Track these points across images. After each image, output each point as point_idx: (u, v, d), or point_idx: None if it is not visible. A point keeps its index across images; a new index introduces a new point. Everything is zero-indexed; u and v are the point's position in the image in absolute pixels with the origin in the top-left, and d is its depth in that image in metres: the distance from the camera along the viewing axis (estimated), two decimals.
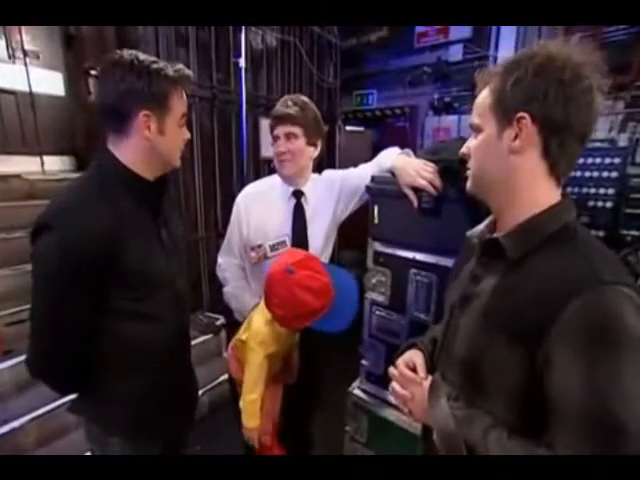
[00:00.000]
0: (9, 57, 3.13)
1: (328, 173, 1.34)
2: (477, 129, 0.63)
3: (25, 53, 3.09)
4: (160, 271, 0.89)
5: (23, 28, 3.11)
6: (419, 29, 3.17)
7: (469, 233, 0.72)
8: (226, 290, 1.30)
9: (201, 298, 2.74)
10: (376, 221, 1.10)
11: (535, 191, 0.59)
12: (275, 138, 1.21)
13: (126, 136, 0.82)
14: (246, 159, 2.77)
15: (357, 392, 1.31)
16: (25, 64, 3.01)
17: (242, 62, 2.47)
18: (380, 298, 1.19)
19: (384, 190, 1.09)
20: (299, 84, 3.26)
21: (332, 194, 1.27)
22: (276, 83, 3.06)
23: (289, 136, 1.18)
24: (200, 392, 2.19)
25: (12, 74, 3.06)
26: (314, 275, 0.93)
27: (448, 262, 0.99)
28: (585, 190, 0.96)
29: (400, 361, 0.77)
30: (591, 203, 0.96)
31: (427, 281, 1.06)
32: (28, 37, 3.16)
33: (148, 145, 0.83)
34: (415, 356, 0.77)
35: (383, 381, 1.24)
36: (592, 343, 0.48)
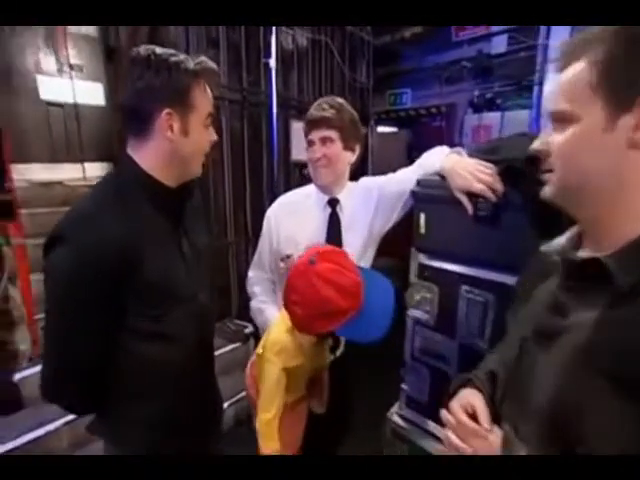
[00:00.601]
0: (57, 71, 3.31)
1: (365, 180, 1.22)
2: (566, 118, 0.48)
3: (71, 67, 3.25)
4: (180, 284, 0.82)
5: (69, 43, 3.27)
6: None
7: (545, 248, 0.57)
8: (252, 304, 1.22)
9: (229, 305, 2.70)
10: (422, 230, 0.97)
11: None
12: (310, 143, 1.12)
13: (147, 139, 0.75)
14: (276, 162, 2.71)
15: (396, 419, 1.18)
16: (71, 77, 3.17)
17: (272, 62, 2.41)
18: (425, 317, 1.06)
19: (432, 195, 0.96)
20: (330, 84, 3.17)
21: (369, 203, 1.15)
22: (307, 84, 2.98)
23: (325, 140, 1.09)
24: (225, 404, 2.15)
25: (59, 87, 3.23)
26: (340, 269, 0.80)
27: (508, 279, 0.85)
28: None
29: (455, 404, 0.62)
30: None
31: (482, 300, 0.92)
32: (74, 51, 3.32)
33: (170, 148, 0.75)
34: (474, 398, 0.62)
35: (426, 408, 1.11)
36: None
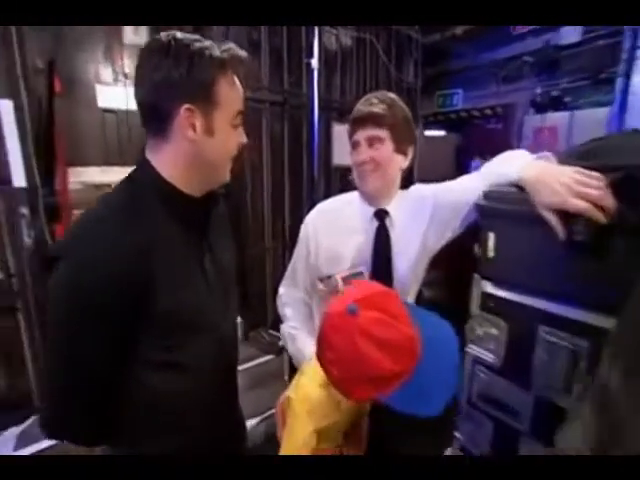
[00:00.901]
0: (113, 80, 3.51)
1: (419, 188, 1.04)
2: None
3: (125, 76, 3.44)
4: (200, 311, 0.71)
5: (125, 52, 3.45)
6: None
7: None
8: (284, 329, 1.09)
9: (265, 314, 2.63)
10: (490, 253, 0.79)
11: None
12: (355, 144, 0.96)
13: (165, 140, 0.65)
14: (317, 166, 2.63)
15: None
16: (125, 85, 3.35)
17: (315, 62, 2.30)
18: (488, 357, 0.87)
19: (506, 211, 0.77)
20: (375, 85, 3.02)
21: (423, 215, 0.98)
22: (350, 85, 2.85)
23: (373, 141, 0.93)
24: (255, 420, 2.06)
25: (114, 95, 3.41)
26: (389, 320, 0.60)
27: (609, 323, 0.65)
28: None
29: None
30: None
31: (570, 347, 0.72)
32: (128, 61, 3.49)
33: (192, 150, 0.65)
34: None
35: None
36: None
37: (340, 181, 2.84)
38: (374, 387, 0.60)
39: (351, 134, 0.97)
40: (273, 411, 1.31)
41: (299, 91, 2.52)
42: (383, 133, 0.92)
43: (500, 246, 0.78)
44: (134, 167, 0.71)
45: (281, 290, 1.14)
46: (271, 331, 2.52)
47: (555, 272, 0.71)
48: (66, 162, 2.17)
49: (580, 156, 0.69)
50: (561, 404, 0.74)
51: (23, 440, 1.59)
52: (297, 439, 0.70)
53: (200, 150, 0.65)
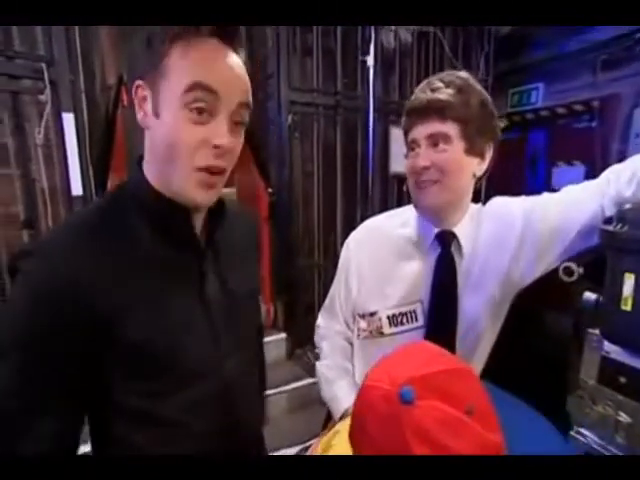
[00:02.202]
0: None
1: (501, 202, 0.79)
2: None
3: None
4: (193, 349, 0.54)
5: None
6: None
7: None
8: (319, 367, 0.90)
9: (312, 332, 2.46)
10: (626, 306, 0.51)
11: None
12: (412, 145, 0.73)
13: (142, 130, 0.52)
14: (372, 175, 2.46)
15: None
16: None
17: (370, 60, 2.12)
18: (610, 449, 0.59)
19: None
20: None
21: (507, 239, 0.72)
22: (410, 85, 2.61)
23: (437, 139, 0.69)
24: (296, 449, 1.89)
25: None
26: (464, 419, 0.39)
27: None
28: None
29: None
30: None
31: None
32: None
33: (148, 139, 0.52)
34: None
35: None
36: None
37: (398, 191, 2.61)
38: None
39: (407, 131, 0.75)
40: (315, 440, 1.08)
41: (354, 93, 2.36)
42: (451, 128, 0.68)
43: None
44: None
45: (319, 321, 0.97)
46: (317, 351, 2.36)
47: None
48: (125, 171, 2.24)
49: None
50: None
51: None
52: None
53: (153, 135, 0.51)
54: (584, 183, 0.68)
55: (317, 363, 0.93)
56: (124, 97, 2.12)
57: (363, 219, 0.99)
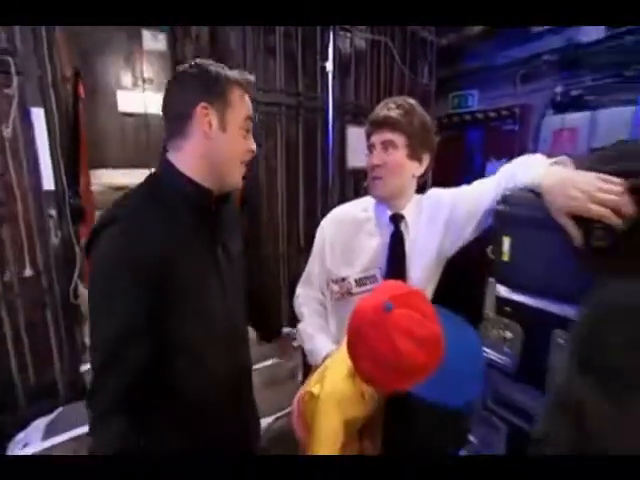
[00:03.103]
0: (133, 85, 3.62)
1: (434, 193, 1.05)
2: None
3: (144, 80, 3.55)
4: (211, 292, 0.79)
5: (145, 58, 3.56)
6: None
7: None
8: (300, 327, 1.12)
9: (279, 317, 2.66)
10: (506, 258, 0.80)
11: None
12: (370, 147, 0.98)
13: (186, 138, 0.75)
14: (331, 170, 2.64)
15: None
16: (143, 90, 3.46)
17: (329, 65, 2.33)
18: (502, 361, 0.88)
19: (523, 217, 0.78)
20: (390, 87, 3.01)
21: (439, 220, 0.99)
22: (365, 88, 2.86)
23: (386, 145, 0.94)
24: (271, 418, 2.09)
25: (133, 99, 3.52)
26: (420, 317, 0.66)
27: None
28: None
29: None
30: None
31: None
32: (147, 66, 3.60)
33: (208, 145, 0.74)
34: None
35: None
36: None
37: (355, 184, 2.84)
38: (405, 379, 0.65)
39: (367, 137, 1.00)
40: (287, 410, 1.30)
41: (314, 94, 2.53)
42: (398, 138, 0.94)
43: (516, 251, 0.79)
44: (154, 168, 0.82)
45: (298, 290, 1.17)
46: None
47: (572, 277, 0.71)
48: (88, 165, 2.25)
49: (603, 159, 0.69)
50: None
51: (51, 430, 1.66)
52: (328, 433, 0.75)
53: (215, 145, 0.74)
54: (488, 178, 0.96)
55: (299, 325, 1.14)
56: (81, 90, 2.14)
57: (324, 210, 1.22)
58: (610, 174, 0.64)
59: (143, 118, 3.54)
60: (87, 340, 2.05)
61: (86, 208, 2.04)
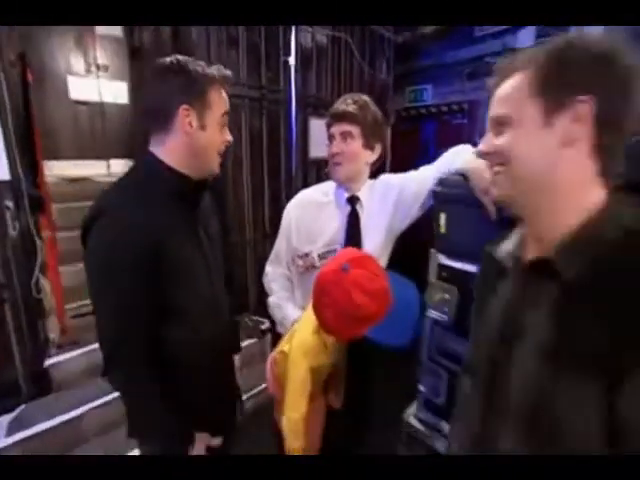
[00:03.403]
0: (85, 71, 3.43)
1: (385, 178, 1.21)
2: (505, 122, 0.53)
3: (98, 67, 3.37)
4: (197, 271, 0.89)
5: (97, 43, 3.39)
6: None
7: (497, 253, 0.61)
8: (270, 300, 1.24)
9: (247, 300, 2.74)
10: (442, 230, 0.96)
11: (584, 194, 0.50)
12: (330, 138, 1.12)
13: (168, 134, 0.83)
14: (294, 160, 2.73)
15: (413, 421, 1.18)
16: (97, 77, 3.29)
17: (292, 60, 2.41)
18: (443, 318, 1.05)
19: (453, 195, 0.94)
20: (350, 81, 3.15)
21: (389, 201, 1.14)
22: (326, 81, 2.97)
23: (345, 136, 1.08)
24: (243, 397, 2.19)
25: (87, 87, 3.35)
26: (371, 276, 0.81)
27: None
28: None
29: None
30: None
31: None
32: (100, 52, 3.43)
33: (189, 141, 0.83)
34: None
35: (443, 411, 1.10)
36: None
37: (317, 173, 2.96)
38: (360, 325, 0.81)
39: (328, 128, 1.13)
40: (259, 388, 1.43)
41: (276, 87, 2.60)
42: (354, 130, 1.08)
43: (451, 224, 0.96)
44: (112, 160, 0.91)
45: (267, 268, 1.29)
46: (253, 317, 2.65)
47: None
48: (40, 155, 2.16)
49: None
50: None
51: (14, 427, 1.65)
52: (298, 379, 0.89)
53: (195, 141, 0.83)
54: (430, 165, 1.13)
55: (269, 298, 1.26)
56: (29, 75, 2.06)
57: (288, 198, 1.34)
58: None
59: (98, 107, 3.40)
60: (51, 335, 2.03)
61: (45, 199, 1.99)
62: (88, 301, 2.07)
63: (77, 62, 3.38)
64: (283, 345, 1.01)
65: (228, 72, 0.88)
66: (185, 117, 0.81)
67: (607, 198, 0.50)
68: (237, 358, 1.18)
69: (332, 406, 1.08)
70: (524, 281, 0.55)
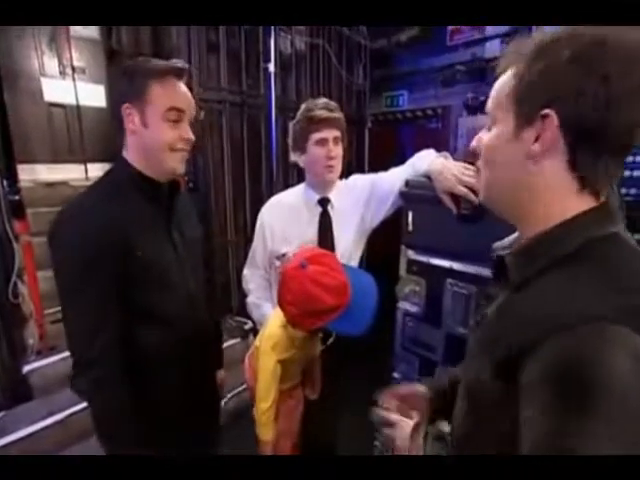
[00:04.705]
0: (60, 73, 3.37)
1: (356, 178, 1.29)
2: (492, 120, 0.51)
3: (74, 69, 3.31)
4: (169, 269, 0.89)
5: (72, 45, 3.33)
6: (452, 26, 3.06)
7: (495, 245, 0.62)
8: (249, 300, 1.29)
9: (229, 302, 2.77)
10: (410, 228, 1.05)
11: (556, 206, 0.47)
12: (322, 142, 1.15)
13: (122, 135, 0.85)
14: (275, 163, 2.78)
15: None
16: (73, 79, 3.23)
17: (272, 67, 2.48)
18: (413, 309, 1.13)
19: (419, 195, 1.03)
20: (328, 87, 3.24)
21: (360, 200, 1.22)
22: (305, 87, 3.05)
23: (337, 140, 1.16)
24: (226, 397, 2.22)
25: (62, 89, 3.28)
26: (328, 272, 0.87)
27: (489, 272, 0.92)
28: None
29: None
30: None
31: (465, 293, 0.99)
32: (76, 54, 3.38)
33: (138, 140, 0.84)
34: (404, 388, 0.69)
35: None
36: (558, 387, 0.38)
37: (297, 176, 3.01)
38: (319, 318, 0.87)
39: (315, 131, 1.15)
40: (241, 388, 1.47)
41: (257, 92, 2.66)
42: (339, 134, 1.16)
43: (417, 221, 1.04)
44: (90, 165, 0.92)
45: (245, 271, 1.34)
46: (236, 317, 2.69)
47: (453, 238, 0.98)
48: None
49: (469, 155, 0.96)
50: (462, 335, 1.02)
51: None
52: (267, 370, 0.94)
53: (141, 139, 0.84)
54: (399, 167, 1.21)
55: (247, 299, 1.31)
56: None
57: None
58: (472, 164, 0.90)
59: (75, 110, 3.34)
60: (30, 340, 2.00)
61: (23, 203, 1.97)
62: None
63: (51, 64, 3.31)
64: (257, 340, 1.07)
65: (179, 63, 0.85)
66: (128, 116, 0.81)
67: (581, 213, 0.46)
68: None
69: (309, 397, 1.15)
70: (497, 275, 0.57)
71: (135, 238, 0.81)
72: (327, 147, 1.15)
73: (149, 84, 0.81)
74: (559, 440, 0.37)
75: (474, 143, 0.55)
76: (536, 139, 0.46)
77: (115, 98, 0.84)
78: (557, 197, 0.47)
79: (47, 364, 1.91)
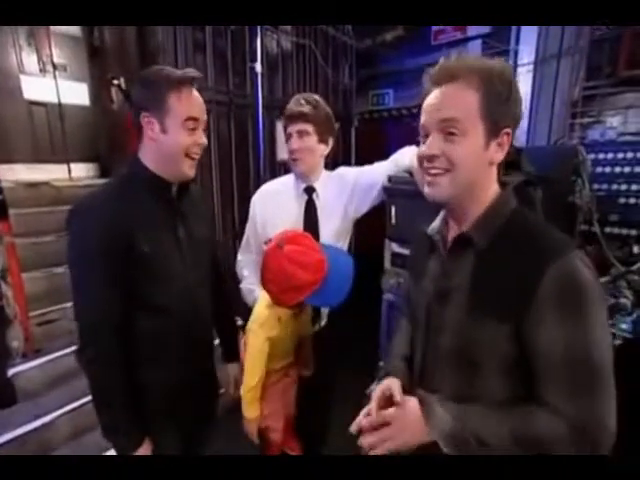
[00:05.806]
0: (40, 71, 3.29)
1: (342, 170, 1.34)
2: (455, 127, 0.61)
3: (54, 66, 3.24)
4: (172, 263, 0.94)
5: (53, 42, 3.26)
6: (436, 27, 3.11)
7: (429, 230, 0.76)
8: (242, 286, 1.33)
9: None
10: (393, 221, 1.08)
11: (489, 190, 0.67)
12: (288, 136, 1.23)
13: (141, 139, 0.91)
14: (263, 162, 2.79)
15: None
16: (54, 77, 3.16)
17: (258, 67, 2.49)
18: (398, 300, 1.17)
19: (401, 190, 1.07)
20: (314, 86, 3.26)
21: (345, 190, 1.27)
22: (291, 86, 3.06)
23: (301, 134, 1.20)
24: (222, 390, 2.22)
25: (42, 87, 3.21)
26: (305, 250, 0.94)
27: None
28: (615, 187, 0.91)
29: (377, 391, 0.74)
30: (622, 200, 0.90)
31: None
32: (56, 50, 3.31)
33: (156, 145, 0.89)
34: (390, 382, 0.74)
35: None
36: (568, 302, 0.55)
37: (284, 174, 3.01)
38: (297, 293, 0.94)
39: (285, 127, 1.24)
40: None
41: (244, 92, 2.67)
42: (309, 128, 1.19)
43: (399, 215, 1.08)
44: (73, 164, 0.97)
45: (239, 256, 1.39)
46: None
47: None
48: None
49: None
50: None
51: None
52: (255, 348, 1.01)
53: (160, 145, 0.89)
54: (383, 162, 1.25)
55: (241, 284, 1.34)
56: None
57: None
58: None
59: (57, 108, 3.27)
60: (15, 344, 1.97)
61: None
62: (53, 308, 2.05)
63: (30, 60, 3.24)
64: (250, 322, 1.10)
65: (194, 73, 0.90)
66: (147, 124, 0.88)
67: (500, 192, 0.67)
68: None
69: (303, 375, 1.19)
70: (448, 253, 0.70)
71: (138, 231, 0.87)
72: (290, 141, 1.22)
73: (167, 94, 0.86)
74: (583, 336, 0.54)
75: (434, 152, 0.63)
76: (497, 150, 0.63)
77: (135, 105, 0.89)
78: (492, 186, 0.67)
79: (33, 367, 1.89)
